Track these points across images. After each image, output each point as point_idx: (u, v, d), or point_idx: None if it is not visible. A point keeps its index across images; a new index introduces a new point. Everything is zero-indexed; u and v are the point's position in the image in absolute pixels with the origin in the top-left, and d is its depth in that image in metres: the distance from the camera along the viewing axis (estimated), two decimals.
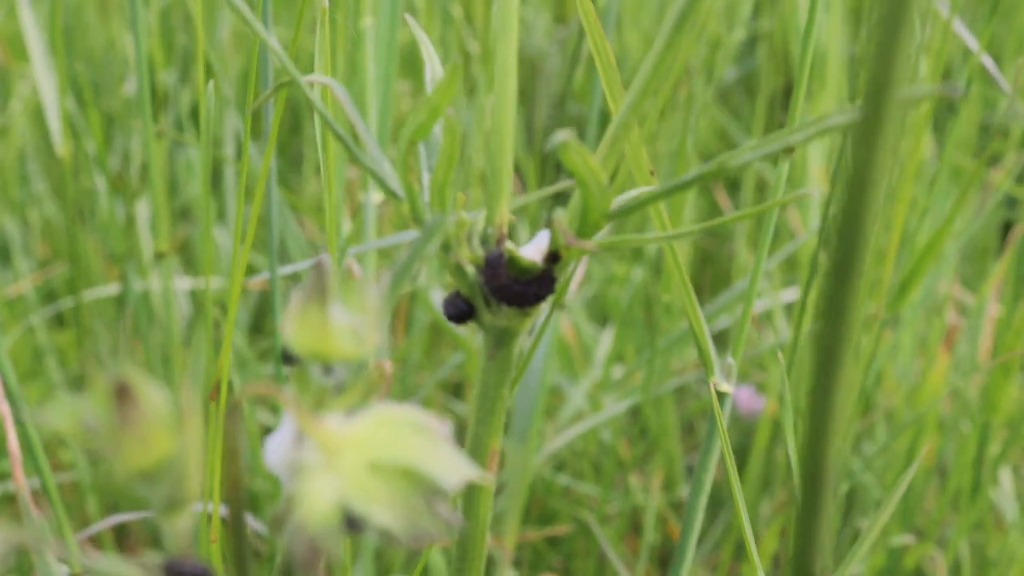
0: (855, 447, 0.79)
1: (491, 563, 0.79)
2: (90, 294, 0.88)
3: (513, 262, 0.29)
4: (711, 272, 1.01)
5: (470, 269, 0.30)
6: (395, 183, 0.30)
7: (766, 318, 0.87)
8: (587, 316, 0.92)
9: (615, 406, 0.81)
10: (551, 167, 0.95)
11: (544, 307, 0.30)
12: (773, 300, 0.78)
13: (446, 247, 0.30)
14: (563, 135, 0.25)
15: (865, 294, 0.62)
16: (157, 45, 0.96)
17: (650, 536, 0.80)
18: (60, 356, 0.93)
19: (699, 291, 1.00)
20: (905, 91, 0.17)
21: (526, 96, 1.10)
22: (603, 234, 0.82)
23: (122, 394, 0.22)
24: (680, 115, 0.79)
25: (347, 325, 0.25)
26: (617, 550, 0.80)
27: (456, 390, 0.92)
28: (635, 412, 0.86)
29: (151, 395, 0.22)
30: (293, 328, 0.25)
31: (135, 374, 0.22)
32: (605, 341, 0.87)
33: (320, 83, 0.33)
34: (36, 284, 0.96)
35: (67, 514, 0.82)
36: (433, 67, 0.31)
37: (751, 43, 1.09)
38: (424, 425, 0.24)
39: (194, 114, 1.03)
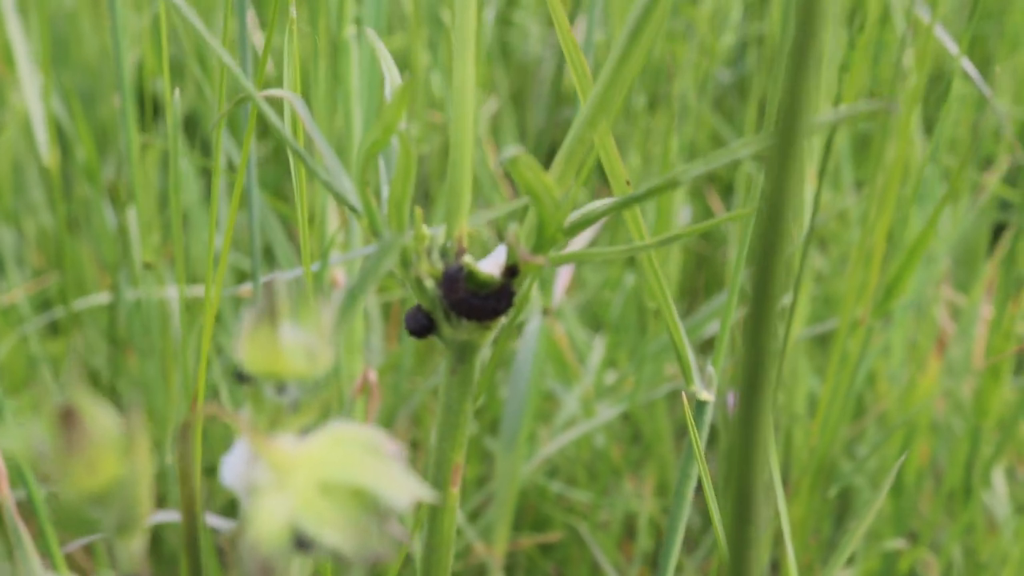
0: (847, 450, 0.79)
1: (483, 571, 0.79)
2: (83, 303, 0.88)
3: (472, 276, 0.29)
4: (706, 276, 1.01)
5: (429, 283, 0.30)
6: (353, 198, 0.30)
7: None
8: (580, 322, 0.92)
9: (608, 411, 0.81)
10: (544, 167, 0.95)
11: (504, 320, 0.30)
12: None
13: (406, 262, 0.30)
14: (512, 150, 0.26)
15: (853, 297, 0.62)
16: (149, 52, 0.96)
17: (644, 542, 0.80)
18: (54, 365, 0.94)
19: (694, 295, 1.00)
20: (816, 117, 0.17)
21: (520, 100, 1.11)
22: (590, 235, 0.82)
23: (68, 418, 0.22)
24: (667, 118, 0.79)
25: (299, 344, 0.25)
26: (611, 556, 0.80)
27: None
28: (629, 417, 0.86)
29: (98, 418, 0.22)
30: (245, 347, 0.25)
31: (82, 398, 0.22)
32: (598, 347, 0.87)
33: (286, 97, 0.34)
34: (30, 293, 0.96)
35: (57, 526, 0.83)
36: (392, 80, 0.31)
37: (744, 47, 1.09)
38: (376, 445, 0.24)
39: (187, 123, 1.04)
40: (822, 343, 0.83)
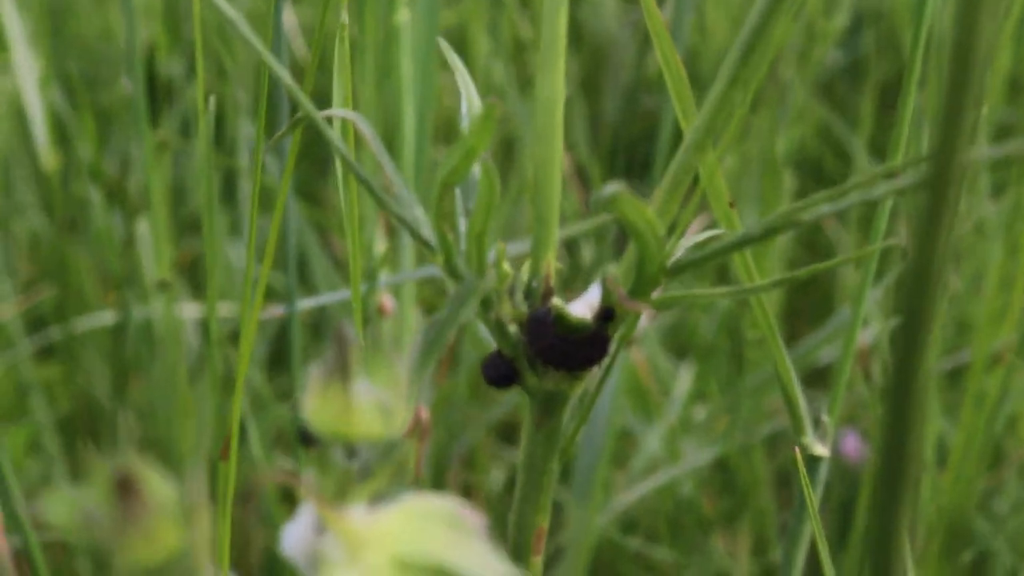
0: (983, 505, 0.79)
1: None
2: (83, 322, 0.91)
3: (561, 320, 0.31)
4: (812, 297, 1.01)
5: (513, 328, 0.31)
6: (427, 231, 0.32)
7: (875, 350, 0.88)
8: (664, 348, 0.93)
9: (696, 455, 0.82)
10: (620, 168, 0.96)
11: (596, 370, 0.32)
12: (881, 330, 0.79)
13: (486, 304, 0.32)
14: (613, 187, 0.27)
15: (992, 326, 0.63)
16: (161, 32, 0.99)
17: None
18: (48, 393, 0.96)
19: (797, 319, 1.01)
20: (970, 152, 0.18)
21: (592, 87, 1.12)
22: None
23: (125, 487, 0.23)
24: (769, 113, 0.80)
25: (372, 402, 0.26)
26: None
27: (508, 433, 0.94)
28: (720, 462, 0.87)
29: (156, 486, 0.24)
30: (313, 407, 0.26)
31: (138, 464, 0.24)
32: (685, 377, 0.88)
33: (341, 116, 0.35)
34: (21, 309, 0.99)
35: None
36: (469, 99, 0.33)
37: (857, 27, 1.10)
38: (457, 518, 0.26)
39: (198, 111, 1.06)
40: (953, 377, 0.84)
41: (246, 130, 0.87)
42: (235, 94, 0.89)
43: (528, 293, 0.32)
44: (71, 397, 0.95)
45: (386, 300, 0.61)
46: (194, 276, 1.03)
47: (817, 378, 0.94)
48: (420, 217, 0.32)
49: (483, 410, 0.92)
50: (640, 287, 0.31)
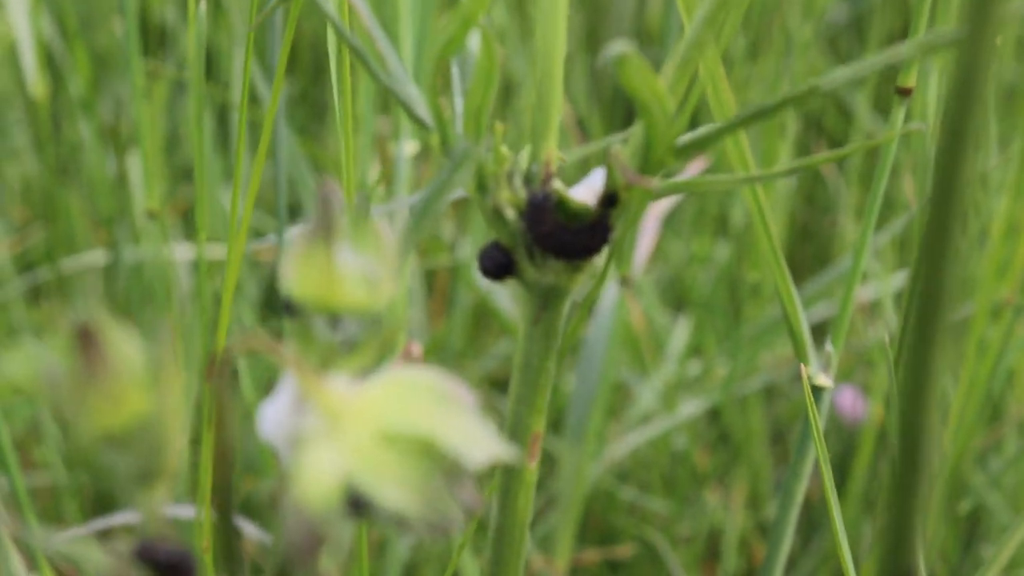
0: (980, 461, 0.78)
1: None
2: (73, 263, 0.89)
3: (562, 205, 0.29)
4: (811, 250, 1.00)
5: (511, 214, 0.29)
6: (422, 108, 0.30)
7: (875, 307, 0.87)
8: (660, 301, 0.92)
9: (691, 407, 0.81)
10: (619, 119, 0.94)
11: (598, 260, 0.30)
12: (882, 283, 0.77)
13: (483, 188, 0.29)
14: (620, 46, 0.25)
15: (994, 275, 0.61)
16: None
17: (731, 562, 0.79)
18: (39, 335, 0.94)
19: (796, 272, 0.99)
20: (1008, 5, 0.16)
21: (593, 39, 1.10)
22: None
23: (87, 340, 0.21)
24: (774, 60, 0.78)
25: (358, 270, 0.24)
26: None
27: (504, 386, 0.93)
28: (715, 415, 0.86)
29: (122, 343, 0.22)
30: (294, 272, 0.24)
31: (103, 318, 0.22)
32: (681, 330, 0.87)
33: None
34: (12, 252, 0.97)
35: (43, 518, 0.83)
36: None
37: None
38: (447, 392, 0.24)
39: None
40: (954, 332, 0.82)
41: (242, 65, 0.85)
42: (232, 32, 0.87)
43: (528, 178, 0.30)
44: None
45: (382, 227, 0.58)
46: (189, 223, 1.01)
47: (815, 334, 0.93)
48: (414, 94, 0.30)
49: (478, 360, 0.91)
50: (647, 168, 0.29)
